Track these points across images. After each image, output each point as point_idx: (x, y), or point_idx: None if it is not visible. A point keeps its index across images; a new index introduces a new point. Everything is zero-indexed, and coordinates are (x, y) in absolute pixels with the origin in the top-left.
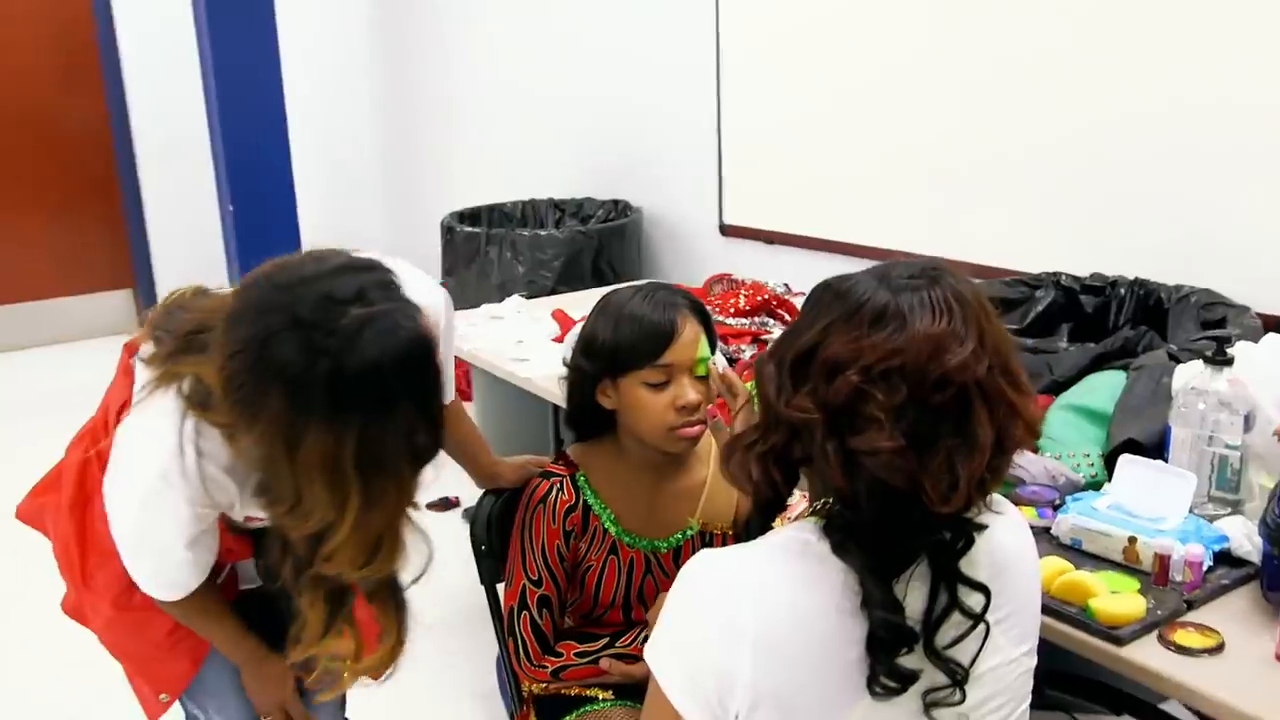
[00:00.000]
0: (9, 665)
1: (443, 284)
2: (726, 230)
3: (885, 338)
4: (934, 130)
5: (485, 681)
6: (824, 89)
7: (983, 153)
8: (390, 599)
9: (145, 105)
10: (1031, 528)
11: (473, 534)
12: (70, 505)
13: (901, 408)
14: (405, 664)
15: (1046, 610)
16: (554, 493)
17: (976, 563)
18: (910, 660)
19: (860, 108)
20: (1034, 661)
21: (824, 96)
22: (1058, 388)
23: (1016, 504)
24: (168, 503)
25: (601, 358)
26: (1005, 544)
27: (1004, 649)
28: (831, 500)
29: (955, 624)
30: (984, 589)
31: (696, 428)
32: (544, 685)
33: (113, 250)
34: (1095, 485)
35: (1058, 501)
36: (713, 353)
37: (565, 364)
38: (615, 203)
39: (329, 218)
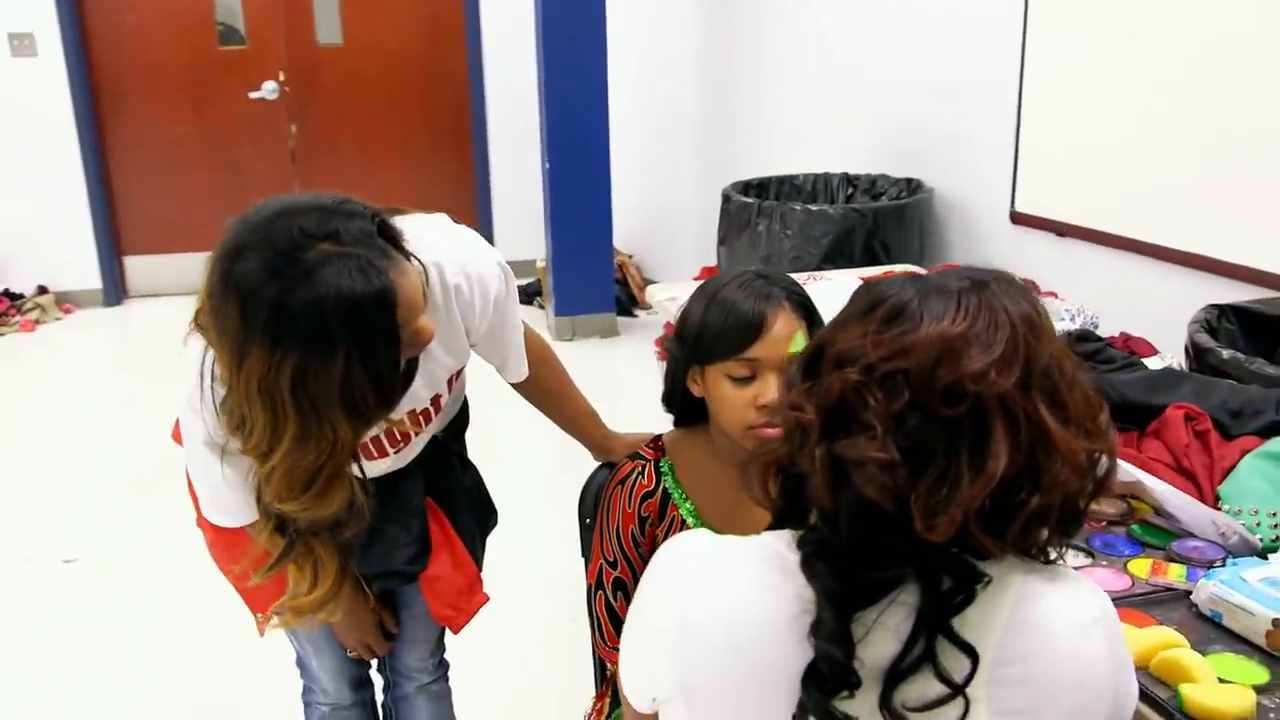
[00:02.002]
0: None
1: (717, 255)
2: (1017, 218)
3: (894, 335)
4: (1269, 123)
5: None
6: (1141, 68)
7: None
8: (330, 544)
9: (499, 65)
10: (1172, 591)
11: (580, 506)
12: None
13: (900, 415)
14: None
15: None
16: (633, 476)
17: (980, 627)
18: (854, 707)
19: (1181, 92)
20: None
21: (1140, 77)
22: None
23: (1169, 560)
24: (196, 428)
25: (689, 343)
26: (1050, 631)
27: None
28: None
29: (934, 688)
30: (973, 654)
31: (778, 429)
32: None
33: (460, 199)
34: (1273, 551)
35: (1218, 564)
36: None
37: (662, 345)
38: (908, 181)
39: (646, 178)
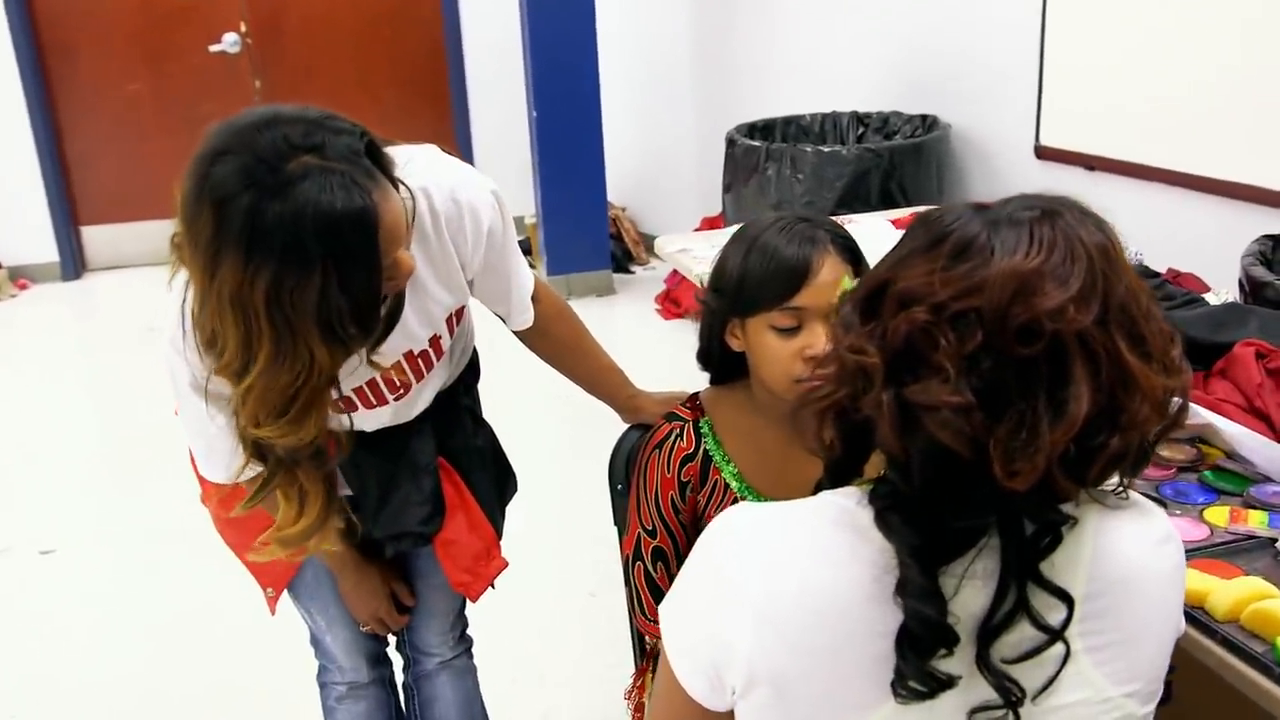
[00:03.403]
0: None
1: (723, 203)
2: (1042, 153)
3: (965, 272)
4: None
5: None
6: None
7: None
8: (314, 474)
9: (475, 8)
10: (1255, 538)
11: (610, 471)
12: None
13: (974, 357)
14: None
15: (1227, 643)
16: (672, 438)
17: (1068, 568)
18: (952, 665)
19: (1224, 8)
20: (1146, 711)
21: None
22: None
23: (1247, 506)
24: (182, 371)
25: (728, 293)
26: (1127, 555)
27: (1095, 683)
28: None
29: (1029, 637)
30: (1067, 598)
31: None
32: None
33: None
34: None
35: None
36: None
37: (697, 297)
38: (924, 118)
39: (638, 125)
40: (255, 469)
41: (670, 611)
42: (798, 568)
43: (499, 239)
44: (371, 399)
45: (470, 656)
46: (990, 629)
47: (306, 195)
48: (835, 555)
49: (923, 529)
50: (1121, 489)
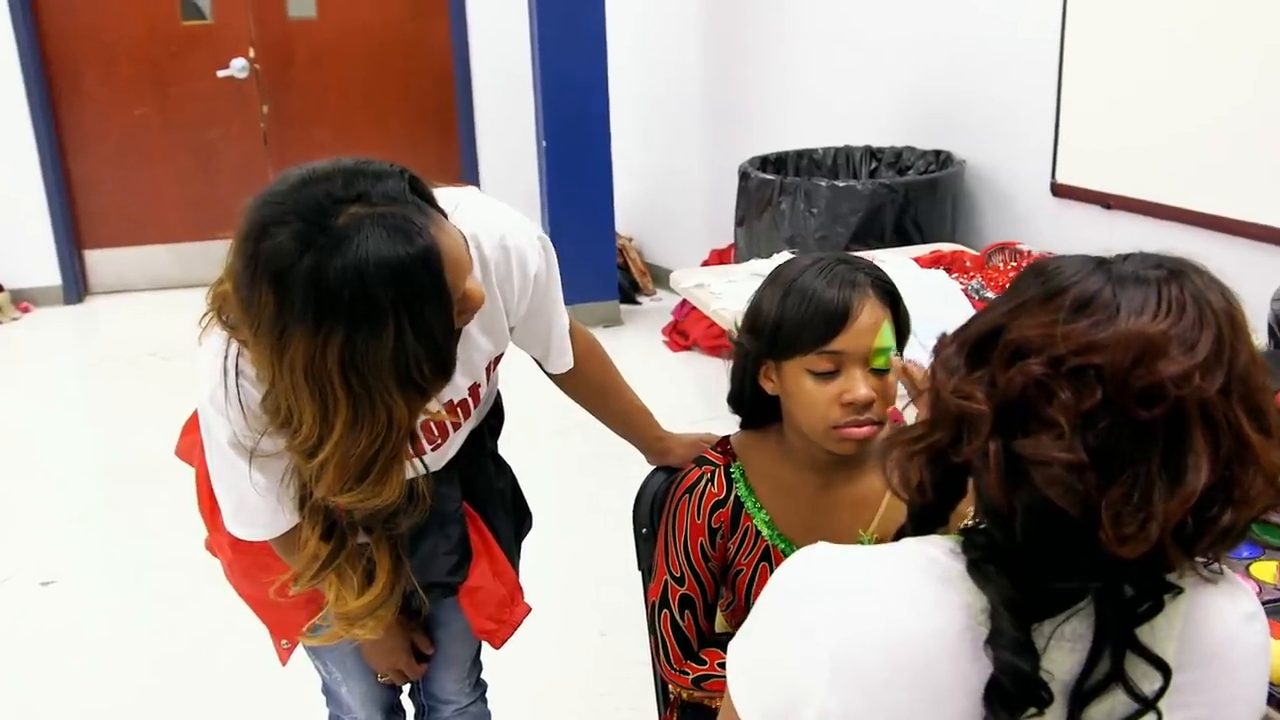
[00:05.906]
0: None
1: (735, 236)
2: (1059, 190)
3: (1086, 327)
4: None
5: None
6: (1192, 22)
7: None
8: (384, 540)
9: (484, 37)
10: None
11: (635, 514)
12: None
13: (1091, 414)
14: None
15: (1271, 701)
16: (702, 483)
17: (1164, 637)
18: None
19: (1250, 44)
20: None
21: (1202, 28)
22: None
23: None
24: (221, 429)
25: (764, 336)
26: (1216, 630)
27: None
28: (982, 519)
29: (1121, 704)
30: (1164, 667)
31: (865, 429)
32: (689, 691)
33: (446, 182)
34: None
35: None
36: (904, 344)
37: (730, 338)
38: (937, 154)
39: (646, 155)
40: (293, 520)
41: (737, 648)
42: (879, 615)
43: (543, 284)
44: (410, 449)
45: (485, 702)
46: (1085, 693)
47: (364, 246)
48: (920, 605)
49: (1020, 583)
50: (1215, 561)
